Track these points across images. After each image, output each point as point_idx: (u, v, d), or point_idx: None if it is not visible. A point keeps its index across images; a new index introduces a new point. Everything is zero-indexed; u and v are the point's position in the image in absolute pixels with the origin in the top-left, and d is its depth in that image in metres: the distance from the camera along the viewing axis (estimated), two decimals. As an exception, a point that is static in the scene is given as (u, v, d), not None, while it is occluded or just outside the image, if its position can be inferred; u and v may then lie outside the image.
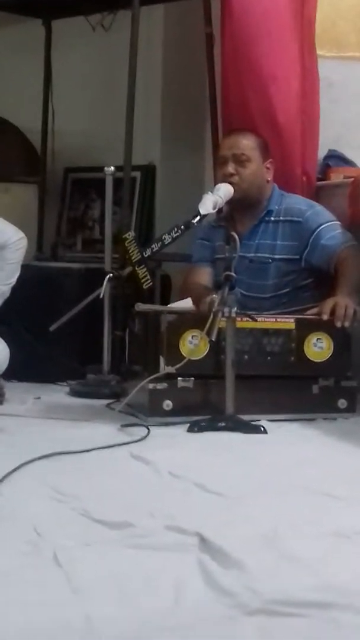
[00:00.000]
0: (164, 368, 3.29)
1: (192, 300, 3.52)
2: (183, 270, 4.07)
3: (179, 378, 3.31)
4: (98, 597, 1.70)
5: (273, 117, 4.02)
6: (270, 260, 3.76)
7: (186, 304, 3.52)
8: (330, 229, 3.71)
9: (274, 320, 3.43)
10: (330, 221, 3.74)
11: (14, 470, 2.52)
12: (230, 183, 3.62)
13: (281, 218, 3.77)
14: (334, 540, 2.00)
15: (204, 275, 3.84)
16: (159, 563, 1.88)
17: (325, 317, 3.37)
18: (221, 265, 3.37)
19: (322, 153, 4.23)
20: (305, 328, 3.42)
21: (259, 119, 4.03)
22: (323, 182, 4.19)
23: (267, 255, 3.76)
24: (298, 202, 3.81)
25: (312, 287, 3.79)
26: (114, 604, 1.68)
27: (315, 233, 3.70)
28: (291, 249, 3.75)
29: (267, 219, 3.78)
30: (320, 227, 3.70)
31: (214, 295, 3.27)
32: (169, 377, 3.30)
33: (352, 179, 3.94)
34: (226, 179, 3.67)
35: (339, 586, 1.73)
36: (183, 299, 3.70)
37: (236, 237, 3.28)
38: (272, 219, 3.78)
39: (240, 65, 4.09)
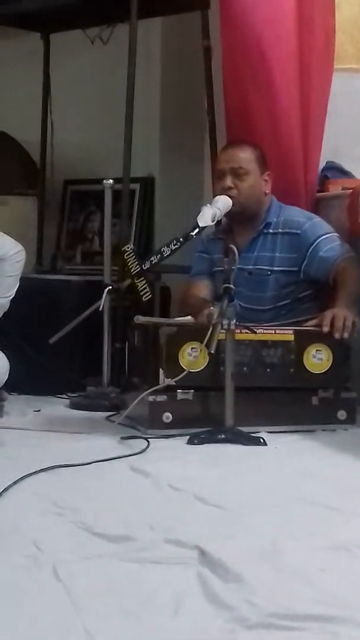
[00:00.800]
0: (164, 380, 3.29)
1: (191, 313, 3.52)
2: (182, 282, 4.07)
3: (179, 390, 3.31)
4: (98, 611, 1.70)
5: (274, 126, 4.01)
6: (270, 273, 3.77)
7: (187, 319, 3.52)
8: (328, 240, 3.71)
9: (273, 332, 3.43)
10: (329, 233, 3.74)
11: (14, 483, 2.53)
12: (229, 196, 3.63)
13: (280, 230, 3.78)
14: (333, 553, 2.00)
15: (203, 288, 3.85)
16: (158, 576, 1.88)
17: (325, 329, 3.37)
18: (220, 278, 3.37)
19: (320, 164, 4.23)
20: (305, 340, 3.42)
21: (260, 128, 4.03)
22: (321, 193, 4.20)
23: (266, 267, 3.77)
24: (296, 214, 3.82)
25: (311, 299, 3.79)
26: (114, 617, 1.68)
27: (313, 245, 3.70)
28: (290, 261, 3.75)
29: (265, 231, 3.79)
30: (319, 239, 3.71)
31: (212, 308, 3.28)
32: (169, 390, 3.30)
33: (351, 190, 3.94)
34: (224, 192, 3.67)
35: (338, 599, 1.73)
36: (182, 311, 3.70)
37: (235, 249, 3.28)
38: (271, 231, 3.79)
39: (240, 75, 4.09)
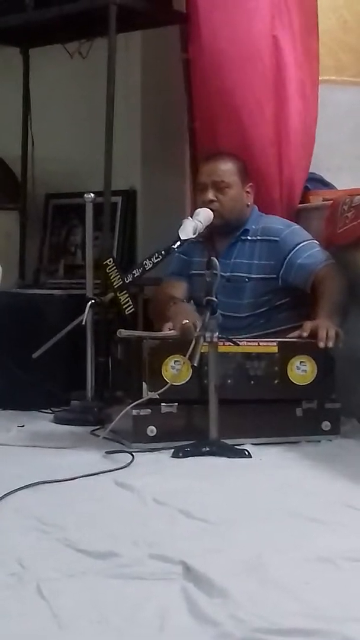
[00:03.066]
0: (147, 394, 3.29)
1: (157, 311, 3.51)
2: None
3: (163, 403, 3.30)
4: (82, 628, 1.69)
5: (242, 142, 4.03)
6: (247, 280, 3.76)
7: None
8: (307, 247, 3.71)
9: (257, 344, 3.43)
10: (308, 240, 3.74)
11: (-2, 500, 2.52)
12: (210, 209, 3.64)
13: (258, 237, 3.77)
14: (318, 566, 2.00)
15: (179, 289, 3.84)
16: (143, 592, 1.87)
17: (305, 334, 3.37)
18: (198, 281, 3.37)
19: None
20: (288, 351, 3.41)
21: (227, 143, 4.05)
22: (302, 204, 4.21)
23: (243, 274, 3.77)
24: (275, 222, 3.82)
25: (289, 307, 3.78)
26: (98, 635, 1.67)
27: (292, 252, 3.70)
28: (268, 268, 3.75)
29: (243, 237, 3.79)
30: (298, 246, 3.71)
31: (187, 320, 3.29)
32: (153, 403, 3.30)
33: (331, 201, 3.95)
34: (206, 205, 3.68)
35: (323, 612, 1.73)
36: (154, 310, 3.71)
37: (216, 261, 3.28)
38: (249, 238, 3.78)
39: (209, 91, 4.12)
